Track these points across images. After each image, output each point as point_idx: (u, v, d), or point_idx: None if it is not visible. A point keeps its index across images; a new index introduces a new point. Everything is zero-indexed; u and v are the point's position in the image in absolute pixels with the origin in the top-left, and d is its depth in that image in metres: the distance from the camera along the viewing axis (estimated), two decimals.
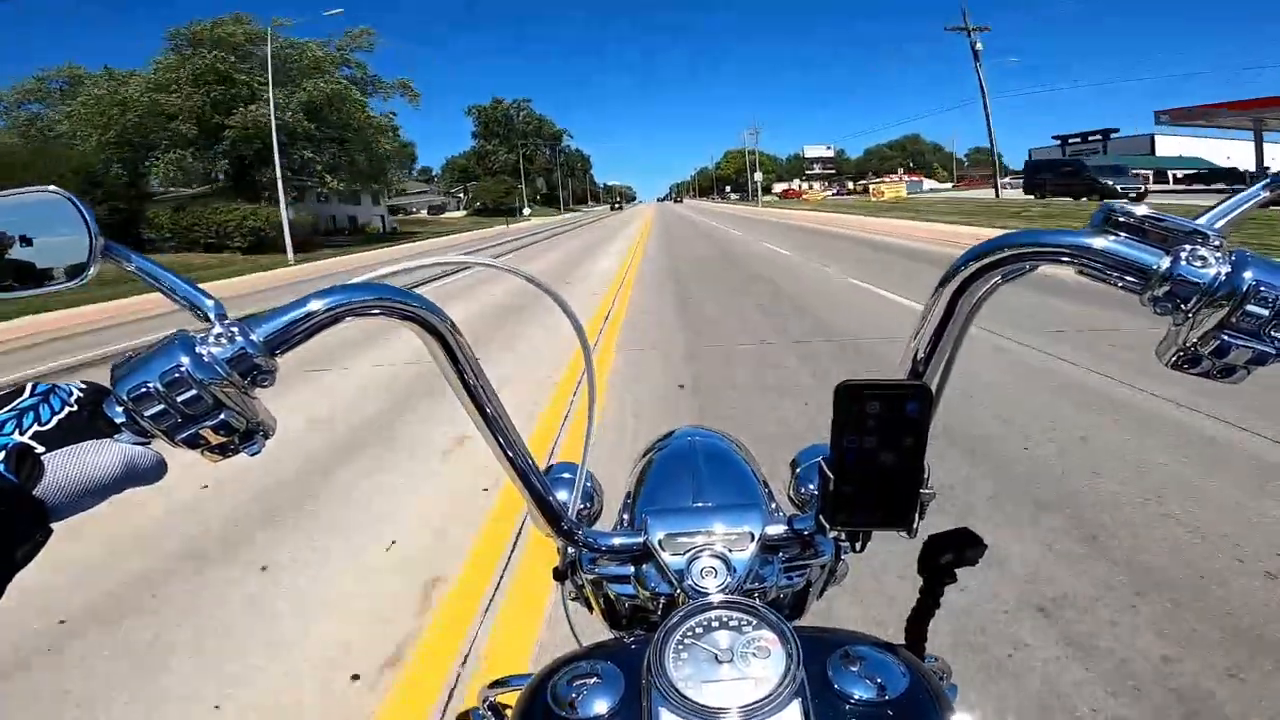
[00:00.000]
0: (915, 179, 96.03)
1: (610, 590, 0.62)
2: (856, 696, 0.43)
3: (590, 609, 0.66)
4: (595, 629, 0.66)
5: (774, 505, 0.67)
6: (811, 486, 0.66)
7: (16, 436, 0.37)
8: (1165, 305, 0.39)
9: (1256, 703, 1.49)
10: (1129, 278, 0.39)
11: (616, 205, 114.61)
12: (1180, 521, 2.25)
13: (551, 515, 0.59)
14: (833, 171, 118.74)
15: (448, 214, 77.03)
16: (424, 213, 75.90)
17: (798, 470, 0.69)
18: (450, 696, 1.69)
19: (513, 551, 2.35)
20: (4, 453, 0.36)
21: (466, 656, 1.83)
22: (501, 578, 2.20)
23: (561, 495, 0.64)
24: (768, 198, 72.85)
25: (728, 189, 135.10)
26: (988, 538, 0.55)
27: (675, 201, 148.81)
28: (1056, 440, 3.02)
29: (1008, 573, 2.03)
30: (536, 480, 0.57)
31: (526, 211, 68.80)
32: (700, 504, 0.64)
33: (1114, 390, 3.66)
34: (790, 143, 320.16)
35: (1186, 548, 2.09)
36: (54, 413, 0.39)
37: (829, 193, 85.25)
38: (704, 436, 0.78)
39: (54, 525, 0.37)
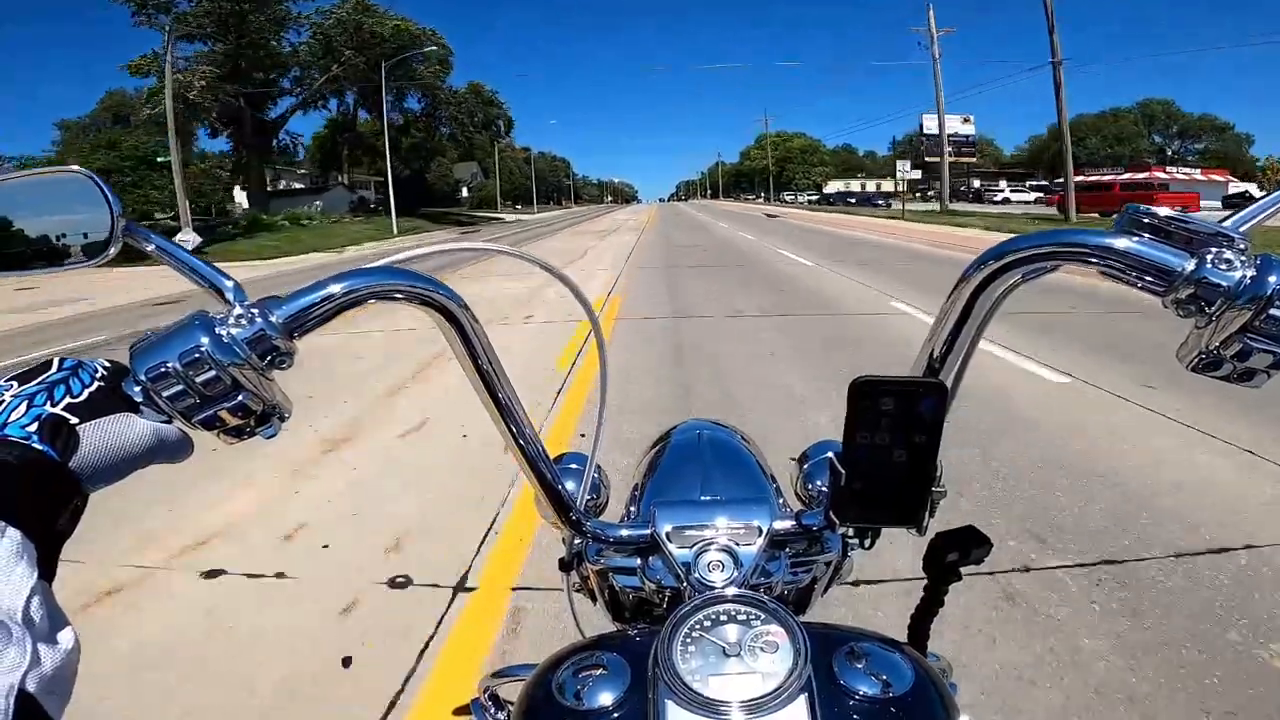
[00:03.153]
0: (1214, 177, 45.36)
1: (615, 582, 0.61)
2: (862, 693, 0.43)
3: (594, 601, 0.66)
4: (599, 622, 0.65)
5: (781, 500, 0.67)
6: (819, 482, 0.65)
7: (49, 408, 0.37)
8: (1188, 308, 0.38)
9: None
10: (1152, 279, 0.39)
11: None
12: None
13: (560, 505, 0.59)
14: (970, 158, 66.00)
15: None
16: None
17: (805, 466, 0.68)
18: None
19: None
20: (38, 423, 0.36)
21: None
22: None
23: (569, 486, 0.63)
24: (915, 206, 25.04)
25: (792, 189, 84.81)
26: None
27: (680, 200, 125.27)
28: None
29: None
30: (546, 469, 0.57)
31: (186, 239, 18.92)
32: (708, 497, 0.64)
33: None
34: (831, 122, 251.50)
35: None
36: (84, 386, 0.39)
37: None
38: (711, 429, 0.78)
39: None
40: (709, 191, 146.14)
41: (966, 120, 66.54)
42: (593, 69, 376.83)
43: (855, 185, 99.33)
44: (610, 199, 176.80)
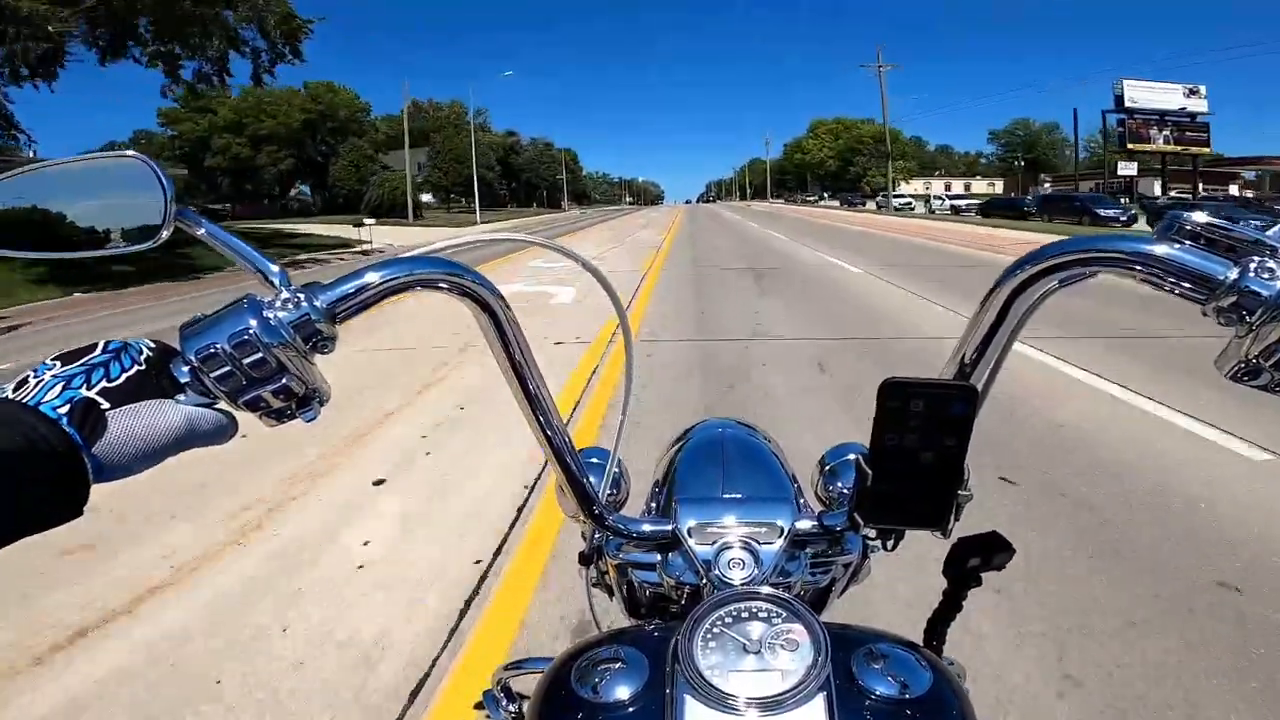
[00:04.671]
0: None
1: (634, 577, 0.62)
2: (879, 693, 0.43)
3: (611, 595, 0.66)
4: (616, 617, 0.65)
5: (802, 500, 0.67)
6: (840, 484, 0.66)
7: (84, 391, 0.37)
8: (1230, 316, 0.38)
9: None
10: (1192, 287, 0.39)
11: None
12: None
13: (584, 498, 0.59)
14: (1203, 146, 39.47)
15: None
16: None
17: (826, 467, 0.68)
18: None
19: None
20: (69, 406, 0.36)
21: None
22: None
23: (590, 480, 0.63)
24: None
25: (869, 191, 58.85)
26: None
27: (710, 201, 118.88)
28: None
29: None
30: (572, 461, 0.57)
31: None
32: (730, 495, 0.64)
33: None
34: (911, 110, 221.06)
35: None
36: (123, 370, 0.39)
37: None
38: (733, 428, 0.78)
39: (105, 484, 0.37)
40: (749, 191, 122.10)
41: (1193, 92, 39.84)
42: (614, 66, 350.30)
43: (938, 186, 72.92)
44: (630, 199, 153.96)
